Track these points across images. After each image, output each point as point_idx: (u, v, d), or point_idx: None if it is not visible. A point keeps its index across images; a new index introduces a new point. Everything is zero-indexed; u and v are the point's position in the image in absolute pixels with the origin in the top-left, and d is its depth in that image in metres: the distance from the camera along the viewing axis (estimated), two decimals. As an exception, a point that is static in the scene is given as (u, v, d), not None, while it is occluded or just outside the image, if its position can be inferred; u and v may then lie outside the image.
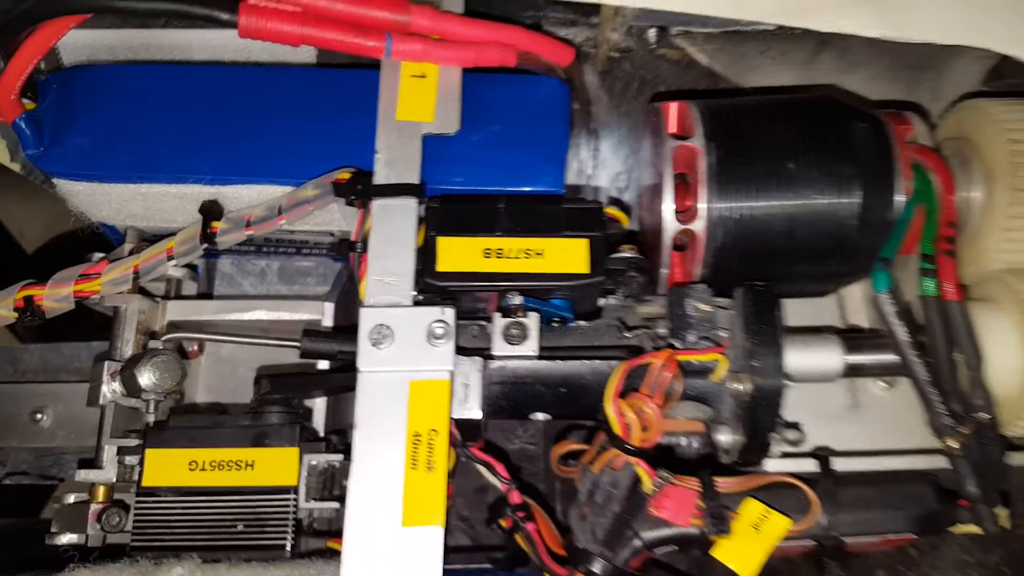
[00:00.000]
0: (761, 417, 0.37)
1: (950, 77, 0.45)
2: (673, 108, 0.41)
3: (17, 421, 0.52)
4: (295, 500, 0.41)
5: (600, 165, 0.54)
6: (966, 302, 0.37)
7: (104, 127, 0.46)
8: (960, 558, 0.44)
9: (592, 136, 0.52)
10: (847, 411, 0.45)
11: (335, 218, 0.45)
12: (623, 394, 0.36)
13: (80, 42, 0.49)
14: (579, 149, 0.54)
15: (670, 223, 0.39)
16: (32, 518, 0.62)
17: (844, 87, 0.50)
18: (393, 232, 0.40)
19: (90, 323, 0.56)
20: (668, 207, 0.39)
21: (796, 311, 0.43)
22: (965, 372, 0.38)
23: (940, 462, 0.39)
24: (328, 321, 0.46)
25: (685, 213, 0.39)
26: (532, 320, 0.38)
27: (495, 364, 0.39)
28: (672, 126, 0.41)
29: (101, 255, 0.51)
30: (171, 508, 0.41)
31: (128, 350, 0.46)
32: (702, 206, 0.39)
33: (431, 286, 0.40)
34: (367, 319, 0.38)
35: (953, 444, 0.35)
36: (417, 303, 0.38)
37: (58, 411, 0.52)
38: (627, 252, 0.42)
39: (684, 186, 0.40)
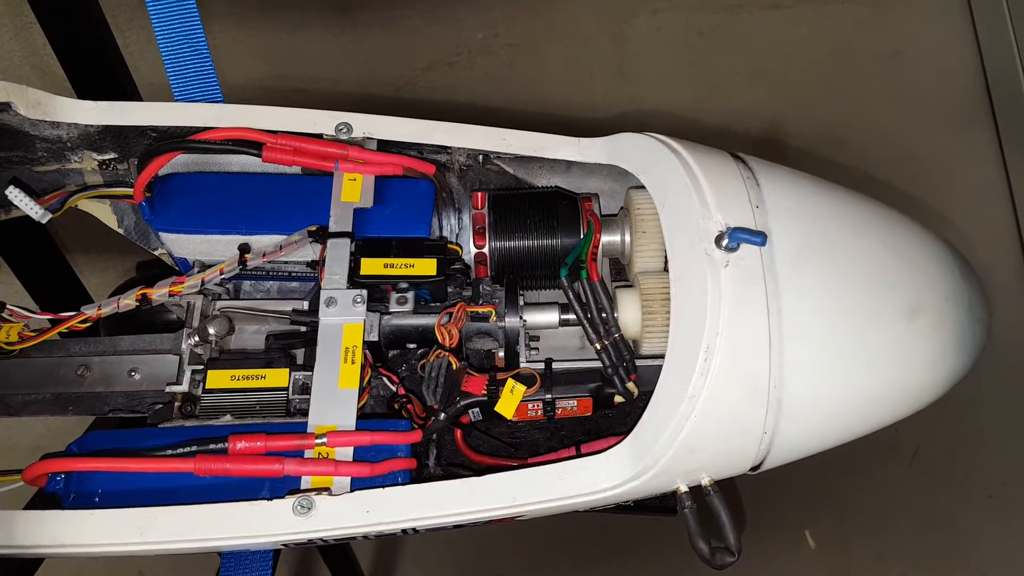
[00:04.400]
0: (510, 340, 0.74)
1: (632, 180, 0.84)
2: (478, 194, 0.79)
3: (119, 378, 0.79)
4: (286, 394, 0.76)
5: (464, 228, 0.88)
6: (600, 282, 0.72)
7: (186, 204, 0.78)
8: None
9: (457, 211, 0.87)
10: (577, 350, 0.83)
11: (309, 252, 0.79)
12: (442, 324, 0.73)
13: (172, 161, 0.80)
14: (450, 218, 0.87)
15: (474, 250, 0.78)
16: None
17: (588, 185, 0.85)
18: (338, 255, 0.73)
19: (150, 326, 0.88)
20: (472, 243, 0.78)
21: (551, 295, 0.82)
22: (611, 318, 0.73)
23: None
24: (305, 307, 0.83)
25: (481, 246, 0.78)
26: (411, 294, 0.74)
27: (387, 317, 0.75)
28: (477, 204, 0.80)
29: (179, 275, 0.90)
30: (222, 398, 0.77)
31: (195, 325, 0.83)
32: (487, 243, 0.78)
33: (356, 282, 0.74)
34: (324, 294, 0.72)
35: (597, 346, 0.71)
36: (348, 287, 0.74)
37: (144, 371, 0.79)
38: (457, 265, 0.79)
39: (481, 232, 0.79)
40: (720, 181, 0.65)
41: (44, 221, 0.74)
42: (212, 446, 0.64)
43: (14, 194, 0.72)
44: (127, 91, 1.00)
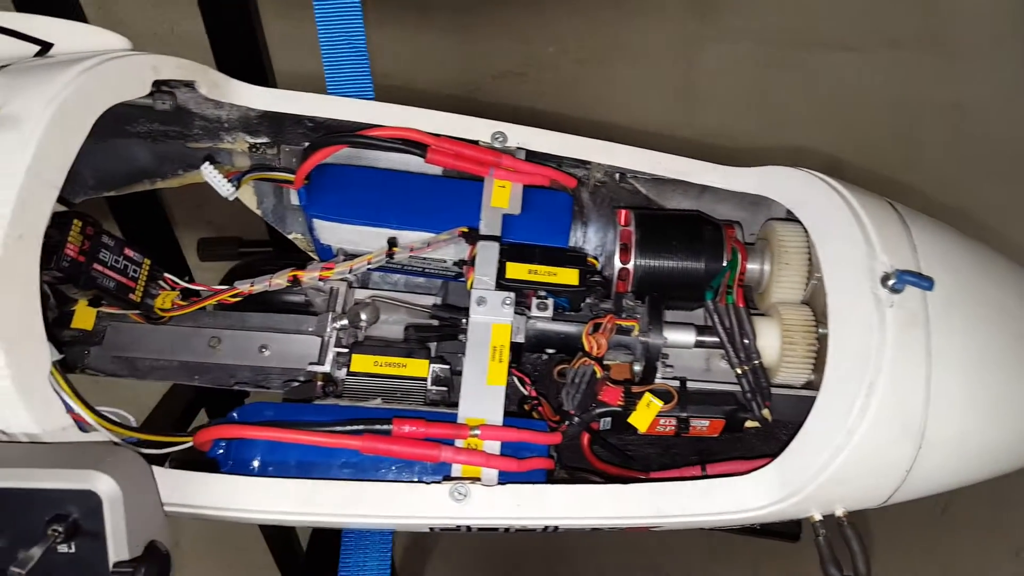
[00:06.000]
0: (650, 355, 0.77)
1: (764, 211, 0.87)
2: (622, 212, 0.82)
3: (248, 352, 0.83)
4: (424, 384, 0.79)
5: (588, 240, 0.90)
6: (747, 309, 0.75)
7: (342, 195, 0.80)
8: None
9: (584, 225, 0.89)
10: (702, 372, 0.86)
11: (450, 251, 0.81)
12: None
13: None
14: (577, 231, 0.89)
15: (618, 265, 0.81)
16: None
17: (718, 211, 0.88)
18: (487, 257, 0.76)
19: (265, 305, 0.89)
20: (617, 259, 0.81)
21: (690, 315, 0.84)
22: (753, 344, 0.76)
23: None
24: (437, 301, 0.86)
25: (626, 261, 0.81)
26: (550, 301, 0.77)
27: (531, 321, 0.78)
28: (621, 221, 0.83)
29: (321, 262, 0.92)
30: (365, 381, 0.80)
31: (339, 310, 0.84)
32: (632, 260, 0.81)
33: (502, 285, 0.77)
34: (475, 294, 0.74)
35: (739, 371, 0.74)
36: (496, 289, 0.76)
37: (275, 348, 0.82)
38: (596, 277, 0.82)
39: (626, 249, 0.82)
40: (882, 223, 0.68)
41: (231, 198, 0.77)
42: (378, 427, 0.67)
43: (208, 171, 0.75)
44: (268, 78, 1.02)
